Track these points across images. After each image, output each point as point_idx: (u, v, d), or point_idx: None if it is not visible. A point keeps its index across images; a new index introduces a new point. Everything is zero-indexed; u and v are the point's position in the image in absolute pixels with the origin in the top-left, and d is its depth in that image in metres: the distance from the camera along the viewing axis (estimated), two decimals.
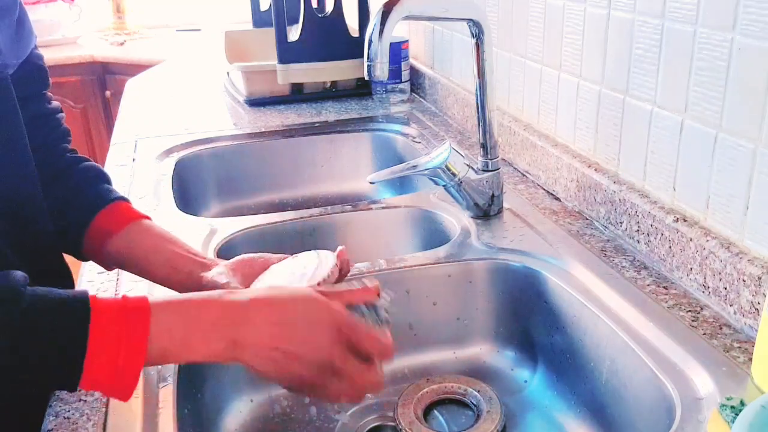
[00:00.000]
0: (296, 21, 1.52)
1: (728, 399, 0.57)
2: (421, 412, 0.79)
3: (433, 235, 1.02)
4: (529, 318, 0.87)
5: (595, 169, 0.92)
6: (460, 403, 0.82)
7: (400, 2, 0.81)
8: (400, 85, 1.57)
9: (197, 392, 0.76)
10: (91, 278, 0.84)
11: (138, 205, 1.04)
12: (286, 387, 0.61)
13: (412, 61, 1.61)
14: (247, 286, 0.69)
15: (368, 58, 0.81)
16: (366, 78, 0.83)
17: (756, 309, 0.66)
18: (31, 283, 0.56)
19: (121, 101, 1.69)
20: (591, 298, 0.77)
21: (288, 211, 1.08)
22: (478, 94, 0.93)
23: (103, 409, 0.62)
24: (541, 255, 0.86)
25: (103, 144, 2.61)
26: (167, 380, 0.66)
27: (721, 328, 0.70)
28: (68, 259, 0.79)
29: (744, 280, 0.67)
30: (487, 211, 0.97)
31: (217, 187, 1.34)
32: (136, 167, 1.22)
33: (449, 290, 0.88)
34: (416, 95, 1.61)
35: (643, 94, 0.82)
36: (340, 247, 0.69)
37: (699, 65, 0.72)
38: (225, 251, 0.92)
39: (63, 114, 0.84)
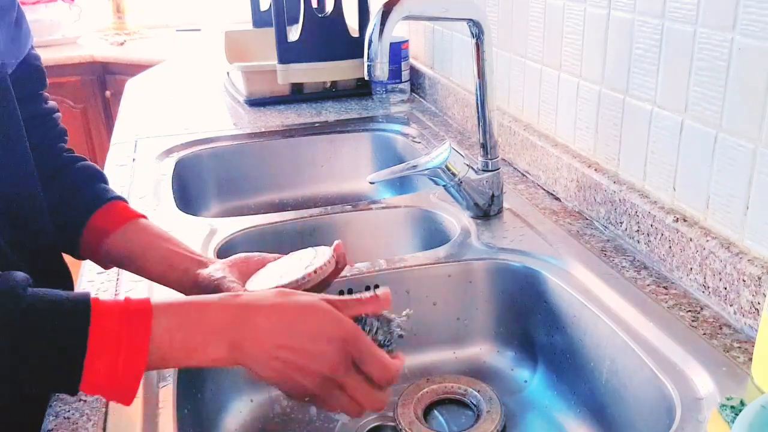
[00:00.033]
0: (296, 21, 1.52)
1: (728, 399, 0.57)
2: (421, 412, 0.79)
3: (433, 235, 1.02)
4: (529, 318, 0.87)
5: (595, 169, 0.92)
6: (460, 403, 0.82)
7: (400, 2, 0.81)
8: (400, 85, 1.57)
9: (197, 392, 0.76)
10: (91, 278, 0.84)
11: (138, 205, 1.04)
12: (286, 394, 0.60)
13: (412, 61, 1.61)
14: (244, 282, 0.69)
15: (368, 58, 0.81)
16: (366, 78, 0.83)
17: (756, 309, 0.66)
18: (32, 284, 0.56)
19: (121, 101, 1.69)
20: (591, 298, 0.77)
21: (288, 211, 1.08)
22: (478, 94, 0.93)
23: (103, 409, 0.62)
24: (541, 255, 0.86)
25: (103, 144, 2.61)
26: (167, 380, 0.66)
27: (721, 328, 0.70)
28: (68, 259, 0.80)
29: (744, 280, 0.67)
30: (487, 211, 0.97)
31: (217, 187, 1.34)
32: (136, 167, 1.22)
33: (449, 290, 0.88)
34: (416, 95, 1.61)
35: (643, 94, 0.82)
36: (336, 241, 0.69)
37: (699, 65, 0.72)
38: (225, 251, 0.92)
39: (59, 114, 0.84)
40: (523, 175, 1.11)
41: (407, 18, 0.83)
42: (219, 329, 0.54)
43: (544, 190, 1.05)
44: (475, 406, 0.81)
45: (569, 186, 0.98)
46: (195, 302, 0.57)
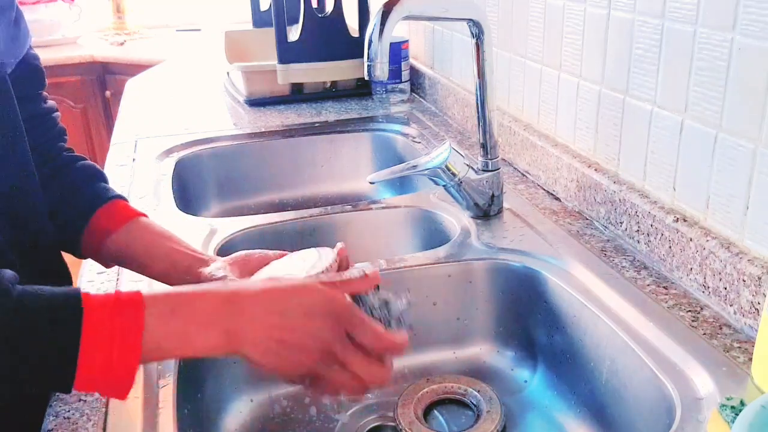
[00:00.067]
0: (296, 21, 1.52)
1: (728, 399, 0.57)
2: (421, 412, 0.79)
3: (433, 235, 1.02)
4: (529, 318, 0.87)
5: (595, 169, 0.92)
6: (460, 403, 0.82)
7: (400, 2, 0.81)
8: (400, 85, 1.57)
9: (197, 392, 0.76)
10: (90, 278, 0.84)
11: (138, 205, 1.04)
12: (287, 379, 0.60)
13: (412, 61, 1.61)
14: None
15: (368, 58, 0.81)
16: (366, 78, 0.83)
17: (756, 309, 0.66)
18: (31, 283, 0.56)
19: (121, 101, 1.69)
20: (591, 298, 0.77)
21: (288, 211, 1.08)
22: (478, 94, 0.93)
23: (103, 409, 0.62)
24: (541, 255, 0.86)
25: (103, 144, 2.61)
26: (167, 380, 0.66)
27: (721, 328, 0.70)
28: (68, 258, 0.80)
29: (744, 280, 0.67)
30: (487, 211, 0.97)
31: (217, 187, 1.34)
32: (136, 167, 1.22)
33: (449, 290, 0.88)
34: (416, 95, 1.61)
35: (643, 94, 0.82)
36: (339, 244, 0.69)
37: (699, 65, 0.72)
38: (225, 251, 0.92)
39: (59, 113, 0.84)
40: (523, 175, 1.11)
41: (407, 18, 0.83)
42: (211, 316, 0.54)
43: (544, 190, 1.05)
44: (475, 406, 0.81)
45: (569, 186, 0.98)
46: (185, 292, 0.57)
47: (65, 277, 0.78)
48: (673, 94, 0.77)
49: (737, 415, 0.52)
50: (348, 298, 0.59)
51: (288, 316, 0.55)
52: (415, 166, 0.93)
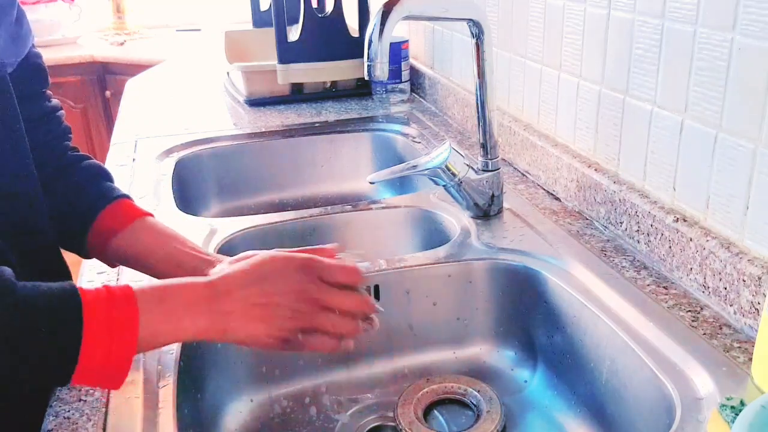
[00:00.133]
0: (296, 21, 1.52)
1: (728, 399, 0.57)
2: (421, 412, 0.79)
3: (433, 235, 1.02)
4: (529, 318, 0.87)
5: (595, 169, 0.92)
6: (460, 403, 0.82)
7: (400, 2, 0.81)
8: (400, 85, 1.57)
9: (197, 392, 0.76)
10: (91, 278, 0.84)
11: (139, 203, 1.04)
12: (279, 343, 0.62)
13: (412, 61, 1.61)
14: None
15: (368, 58, 0.81)
16: (366, 78, 0.83)
17: (756, 309, 0.66)
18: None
19: (121, 101, 1.69)
20: (591, 298, 0.77)
21: (288, 211, 1.08)
22: (478, 94, 0.93)
23: (103, 409, 0.62)
24: (541, 255, 0.86)
25: (103, 144, 2.61)
26: (167, 380, 0.66)
27: (721, 328, 0.70)
28: (68, 258, 0.79)
29: (744, 280, 0.67)
30: (487, 211, 0.97)
31: (217, 187, 1.34)
32: (136, 167, 1.22)
33: (449, 290, 0.88)
34: (416, 95, 1.61)
35: (643, 94, 0.82)
36: (333, 244, 0.70)
37: (699, 65, 0.72)
38: (225, 251, 0.92)
39: (63, 112, 0.84)
40: (523, 175, 1.11)
41: (407, 18, 0.83)
42: (197, 300, 0.58)
43: (544, 190, 1.05)
44: (475, 406, 0.81)
45: (569, 186, 0.98)
46: (170, 283, 0.60)
47: (65, 277, 0.78)
48: (673, 94, 0.77)
49: (737, 415, 0.52)
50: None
51: (263, 282, 0.60)
52: (415, 166, 0.93)
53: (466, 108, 1.33)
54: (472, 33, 0.90)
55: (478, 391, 0.81)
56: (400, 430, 0.77)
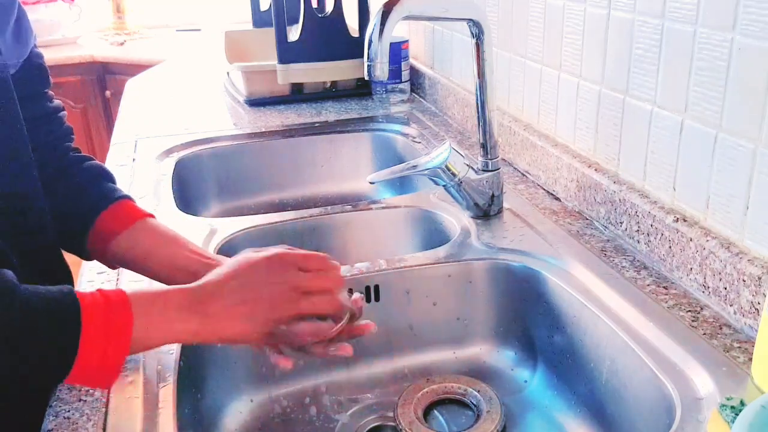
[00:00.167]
0: (296, 21, 1.52)
1: (728, 399, 0.57)
2: (421, 412, 0.79)
3: (433, 235, 1.02)
4: (529, 318, 0.87)
5: (595, 169, 0.92)
6: (460, 403, 0.82)
7: (400, 2, 0.81)
8: (400, 85, 1.57)
9: (197, 392, 0.76)
10: (90, 278, 0.84)
11: (139, 204, 1.04)
12: (271, 339, 0.63)
13: (412, 61, 1.61)
14: None
15: (368, 58, 0.81)
16: (366, 78, 0.83)
17: (756, 309, 0.66)
18: (32, 283, 0.56)
19: (121, 101, 1.69)
20: (591, 298, 0.77)
21: (288, 211, 1.08)
22: (478, 94, 0.93)
23: (103, 409, 0.62)
24: (541, 255, 0.86)
25: (103, 144, 2.61)
26: (167, 380, 0.66)
27: (721, 328, 0.70)
28: (68, 258, 0.79)
29: (744, 280, 0.67)
30: (487, 211, 0.97)
31: (217, 187, 1.34)
32: (136, 167, 1.22)
33: (449, 290, 0.88)
34: (416, 95, 1.61)
35: (643, 94, 0.82)
36: (357, 295, 0.71)
37: (699, 65, 0.72)
38: (225, 251, 0.92)
39: (65, 113, 0.84)
40: (523, 175, 1.11)
41: (407, 18, 0.83)
42: (185, 306, 0.60)
43: (544, 190, 1.05)
44: (475, 406, 0.81)
45: (569, 186, 0.98)
46: (160, 290, 0.62)
47: (66, 278, 0.78)
48: (673, 94, 0.77)
49: (737, 415, 0.52)
50: None
51: (242, 278, 0.62)
52: (415, 166, 0.93)
53: (466, 108, 1.33)
54: (472, 33, 0.90)
55: (478, 391, 0.81)
56: (400, 430, 0.77)
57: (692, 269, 0.75)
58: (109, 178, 0.81)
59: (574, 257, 0.84)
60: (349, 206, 1.04)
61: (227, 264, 0.65)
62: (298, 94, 1.59)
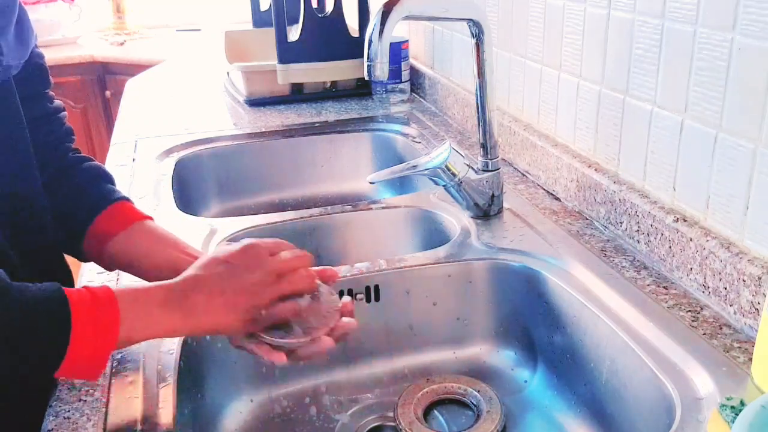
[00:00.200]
0: (296, 21, 1.52)
1: (728, 399, 0.57)
2: (421, 412, 0.79)
3: (433, 235, 1.02)
4: (529, 318, 0.87)
5: (595, 169, 0.92)
6: (460, 403, 0.82)
7: (400, 2, 0.81)
8: (400, 85, 1.57)
9: (197, 392, 0.76)
10: (91, 278, 0.84)
11: (138, 205, 1.04)
12: (254, 326, 0.64)
13: (412, 61, 1.61)
14: None
15: (368, 58, 0.81)
16: (366, 78, 0.83)
17: (756, 309, 0.66)
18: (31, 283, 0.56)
19: (121, 101, 1.69)
20: (591, 298, 0.77)
21: (288, 211, 1.08)
22: (478, 94, 0.93)
23: (103, 409, 0.62)
24: (541, 255, 0.86)
25: (103, 144, 2.61)
26: (167, 380, 0.66)
27: (721, 328, 0.70)
28: (69, 258, 0.79)
29: (744, 280, 0.67)
30: (487, 211, 0.97)
31: (217, 187, 1.34)
32: (136, 167, 1.22)
33: (449, 290, 0.88)
34: (416, 95, 1.61)
35: (643, 94, 0.82)
36: (346, 299, 0.71)
37: (699, 65, 0.72)
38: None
39: (65, 113, 0.83)
40: (523, 175, 1.11)
41: (407, 18, 0.83)
42: (167, 301, 0.61)
43: (544, 190, 1.05)
44: (475, 406, 0.81)
45: (569, 186, 0.98)
46: (143, 287, 0.63)
47: (66, 277, 0.78)
48: (673, 94, 0.77)
49: (737, 415, 0.52)
50: None
51: (222, 271, 0.63)
52: (415, 166, 0.93)
53: (466, 108, 1.33)
54: (472, 33, 0.90)
55: (478, 391, 0.81)
56: (400, 430, 0.77)
57: (692, 269, 0.75)
58: (108, 179, 0.81)
59: (574, 257, 0.84)
60: (349, 206, 1.04)
61: (204, 258, 0.66)
62: (298, 94, 1.59)
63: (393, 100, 1.57)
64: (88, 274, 0.85)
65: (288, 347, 0.65)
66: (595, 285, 0.79)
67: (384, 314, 0.87)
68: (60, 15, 2.79)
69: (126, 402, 0.63)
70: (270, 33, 1.51)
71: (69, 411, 0.62)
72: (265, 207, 1.34)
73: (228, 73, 1.79)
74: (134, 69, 2.25)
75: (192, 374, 0.74)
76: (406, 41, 1.55)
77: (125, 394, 0.64)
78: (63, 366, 0.56)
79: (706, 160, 0.73)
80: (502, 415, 0.78)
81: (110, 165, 1.24)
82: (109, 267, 0.78)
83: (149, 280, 0.74)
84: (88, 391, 0.64)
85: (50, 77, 0.81)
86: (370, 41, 0.81)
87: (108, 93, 2.63)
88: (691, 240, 0.74)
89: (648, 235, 0.81)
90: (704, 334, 0.69)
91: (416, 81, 1.61)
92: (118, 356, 0.69)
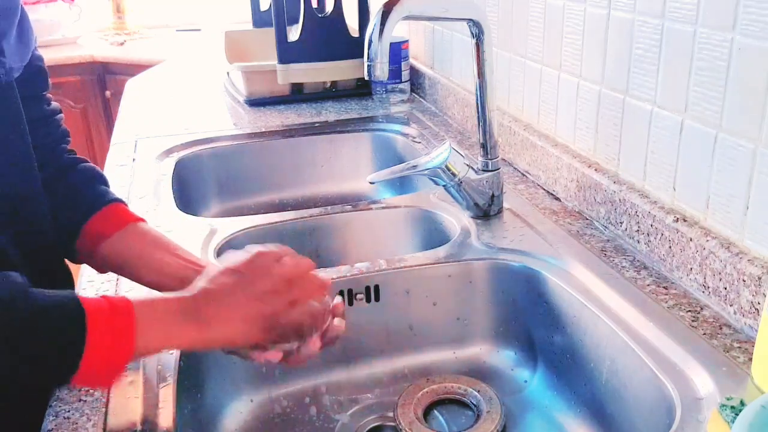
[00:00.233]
0: (296, 21, 1.52)
1: (728, 399, 0.57)
2: (421, 412, 0.79)
3: (433, 235, 1.02)
4: (529, 318, 0.87)
5: (595, 169, 0.92)
6: (460, 403, 0.82)
7: (400, 2, 0.81)
8: (400, 85, 1.57)
9: (197, 392, 0.76)
10: (91, 278, 0.84)
11: (138, 205, 1.04)
12: (272, 335, 0.64)
13: (412, 61, 1.61)
14: None
15: (368, 58, 0.81)
16: (366, 78, 0.83)
17: (756, 309, 0.66)
18: (33, 284, 0.56)
19: (121, 101, 1.69)
20: (591, 298, 0.77)
21: (288, 211, 1.08)
22: (478, 94, 0.93)
23: (103, 409, 0.62)
24: (541, 255, 0.86)
25: (103, 144, 2.61)
26: (167, 380, 0.66)
27: (721, 328, 0.70)
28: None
29: (744, 280, 0.67)
30: (487, 211, 0.97)
31: (217, 187, 1.34)
32: (136, 167, 1.22)
33: (449, 290, 0.88)
34: (416, 95, 1.62)
35: (643, 94, 0.82)
36: (338, 300, 0.72)
37: (699, 65, 0.72)
38: (225, 251, 0.92)
39: (62, 115, 0.84)
40: (523, 175, 1.11)
41: (407, 18, 0.83)
42: (183, 313, 0.60)
43: (544, 190, 1.05)
44: (475, 406, 0.81)
45: (569, 186, 0.98)
46: (158, 297, 0.63)
47: (66, 278, 0.78)
48: (673, 94, 0.77)
49: (737, 415, 0.52)
50: None
51: (234, 282, 0.63)
52: (415, 166, 0.93)
53: (466, 108, 1.33)
54: (472, 33, 0.90)
55: (478, 391, 0.81)
56: (400, 430, 0.77)
57: (692, 269, 0.75)
58: (102, 181, 0.81)
59: (574, 257, 0.84)
60: (349, 206, 1.04)
61: (214, 269, 0.65)
62: (298, 94, 1.60)
63: (393, 100, 1.57)
64: (88, 274, 0.85)
65: (282, 350, 0.65)
66: (595, 285, 0.79)
67: (384, 314, 0.87)
68: (60, 15, 2.79)
69: (126, 402, 0.63)
70: (270, 33, 1.51)
71: (69, 411, 0.62)
72: (265, 207, 1.34)
73: (228, 73, 1.79)
74: (134, 69, 2.25)
75: (192, 374, 0.73)
76: (406, 41, 1.55)
77: (125, 394, 0.64)
78: (78, 373, 0.55)
79: (706, 160, 0.73)
80: (502, 415, 0.78)
81: (110, 165, 1.24)
82: (100, 268, 0.78)
83: (141, 283, 0.74)
84: (88, 391, 0.64)
85: (49, 80, 0.82)
86: (370, 41, 0.81)
87: (108, 93, 2.63)
88: (691, 240, 0.74)
89: (648, 235, 0.81)
90: (704, 334, 0.69)
91: (416, 81, 1.61)
92: None
